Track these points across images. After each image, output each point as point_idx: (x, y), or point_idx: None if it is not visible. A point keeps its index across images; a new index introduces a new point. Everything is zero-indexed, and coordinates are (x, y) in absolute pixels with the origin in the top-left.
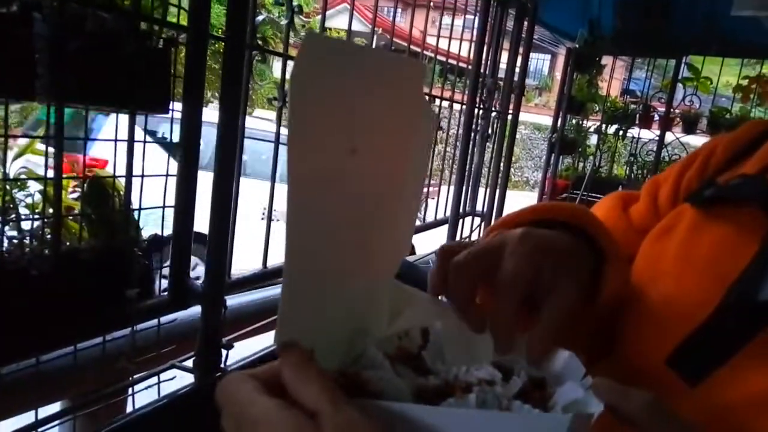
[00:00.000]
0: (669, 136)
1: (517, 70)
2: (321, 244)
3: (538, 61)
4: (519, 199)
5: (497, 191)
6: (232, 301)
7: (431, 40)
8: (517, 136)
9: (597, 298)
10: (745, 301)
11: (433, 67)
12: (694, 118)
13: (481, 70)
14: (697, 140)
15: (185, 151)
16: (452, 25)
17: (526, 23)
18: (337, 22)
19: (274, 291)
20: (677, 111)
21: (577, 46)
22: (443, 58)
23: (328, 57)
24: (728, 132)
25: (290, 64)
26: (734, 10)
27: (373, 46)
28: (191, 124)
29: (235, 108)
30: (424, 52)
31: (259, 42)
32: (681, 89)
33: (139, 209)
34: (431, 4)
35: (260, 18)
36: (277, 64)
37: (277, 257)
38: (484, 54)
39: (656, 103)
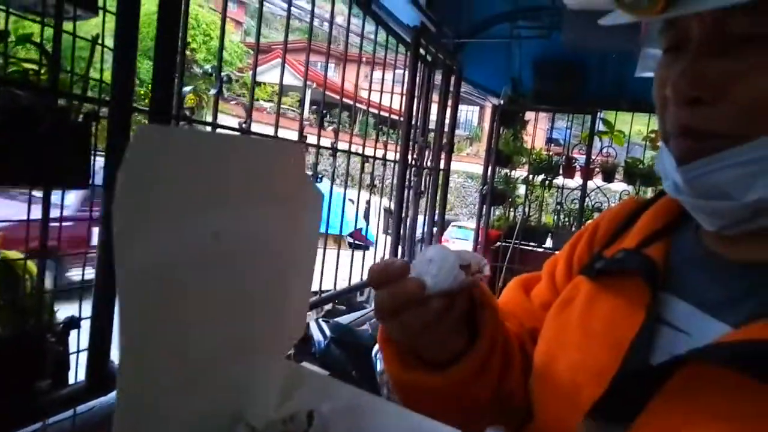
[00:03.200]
0: (591, 185)
1: (446, 129)
2: (169, 338)
3: (468, 113)
4: (456, 248)
5: (433, 243)
6: None
7: (364, 93)
8: (451, 185)
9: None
10: (639, 367)
11: (366, 119)
12: (612, 167)
13: (412, 129)
14: (618, 186)
15: (106, 226)
16: (383, 79)
17: (453, 79)
18: (270, 77)
19: None
20: (596, 161)
21: (501, 102)
22: (376, 111)
23: (165, 147)
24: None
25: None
26: (638, 72)
27: (306, 99)
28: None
29: None
30: (358, 105)
31: (186, 112)
32: (598, 141)
33: (54, 291)
34: (363, 59)
35: (187, 89)
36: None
37: None
38: (414, 112)
39: (578, 152)
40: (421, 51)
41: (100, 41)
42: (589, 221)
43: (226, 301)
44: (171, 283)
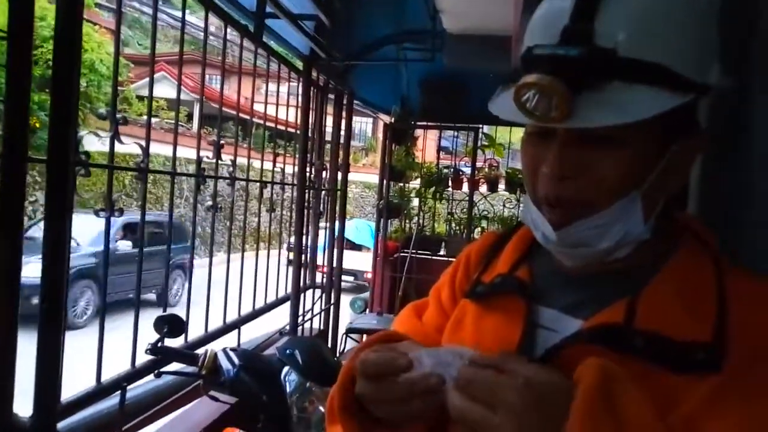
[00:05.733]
0: (477, 195)
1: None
2: None
3: (362, 124)
4: (357, 258)
5: (334, 263)
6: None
7: (258, 107)
8: (350, 195)
9: None
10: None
11: (263, 133)
12: (495, 178)
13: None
14: (502, 194)
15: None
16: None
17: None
18: (155, 90)
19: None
20: (482, 173)
21: (392, 120)
22: (272, 124)
23: None
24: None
25: (116, 175)
26: (491, 108)
27: (195, 113)
28: (7, 253)
29: (61, 239)
30: (251, 118)
31: (82, 156)
32: (482, 153)
33: None
34: (259, 72)
35: (82, 134)
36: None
37: (113, 370)
38: (309, 134)
39: (467, 159)
40: (314, 75)
41: None
42: (461, 252)
43: None
44: None
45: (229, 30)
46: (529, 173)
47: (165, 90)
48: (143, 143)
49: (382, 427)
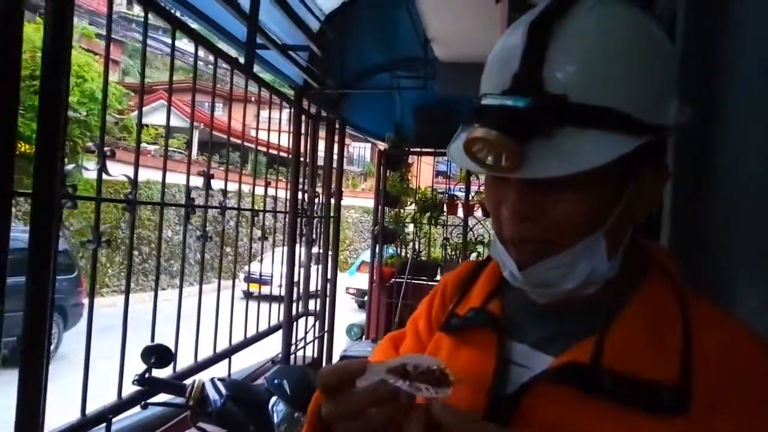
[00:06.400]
0: (473, 220)
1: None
2: None
3: (361, 149)
4: (355, 282)
5: (328, 290)
6: None
7: (253, 132)
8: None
9: None
10: (499, 399)
11: (255, 157)
12: None
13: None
14: None
15: None
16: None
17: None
18: (154, 118)
19: None
20: (476, 198)
21: (387, 146)
22: (265, 149)
23: None
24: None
25: (104, 207)
26: (450, 155)
27: (195, 140)
28: None
29: (46, 273)
30: (246, 144)
31: (69, 189)
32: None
33: None
34: (252, 99)
35: (69, 167)
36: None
37: (97, 402)
38: (300, 162)
39: (460, 186)
40: (305, 105)
41: None
42: (438, 282)
43: None
44: None
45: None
46: (494, 213)
47: (164, 118)
48: (132, 174)
49: None
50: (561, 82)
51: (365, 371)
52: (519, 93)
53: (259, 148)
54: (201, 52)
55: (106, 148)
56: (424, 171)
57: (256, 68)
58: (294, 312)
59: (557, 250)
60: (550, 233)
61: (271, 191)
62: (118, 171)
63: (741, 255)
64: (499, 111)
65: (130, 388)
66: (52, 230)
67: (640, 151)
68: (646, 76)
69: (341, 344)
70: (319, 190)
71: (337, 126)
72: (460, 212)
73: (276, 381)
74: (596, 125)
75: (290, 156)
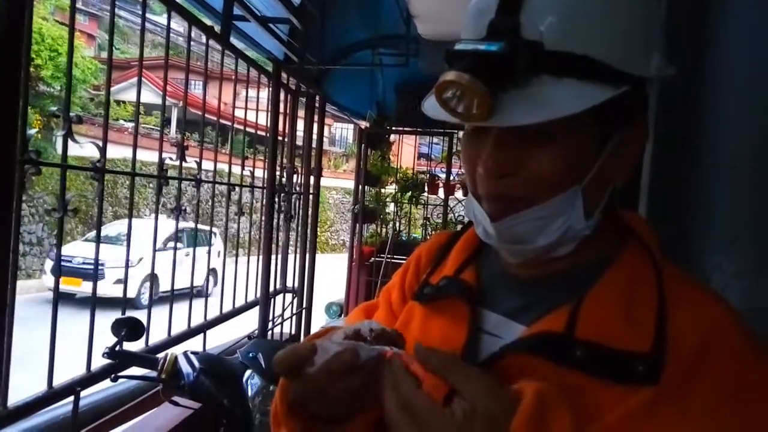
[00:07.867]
0: (453, 200)
1: (314, 153)
2: None
3: (343, 130)
4: (336, 262)
5: (306, 267)
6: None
7: (231, 111)
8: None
9: None
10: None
11: (232, 134)
12: None
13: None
14: None
15: None
16: (247, 96)
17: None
18: (131, 95)
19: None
20: (457, 178)
21: (367, 124)
22: (243, 127)
23: None
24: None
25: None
26: (425, 109)
27: (174, 117)
28: None
29: (6, 239)
30: (222, 121)
31: (33, 155)
32: (457, 159)
33: None
34: (231, 75)
35: (32, 132)
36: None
37: (65, 375)
38: (278, 138)
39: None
40: (284, 79)
41: None
42: (413, 252)
43: None
44: None
45: (200, 33)
46: (469, 171)
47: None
48: (101, 143)
49: (327, 425)
50: (537, 29)
51: (315, 351)
52: (494, 39)
53: (238, 126)
54: (180, 27)
55: (72, 114)
56: (406, 152)
57: (235, 42)
58: (272, 288)
59: (530, 204)
60: (528, 189)
61: (249, 170)
62: (93, 149)
63: (717, 227)
64: (472, 54)
65: (100, 362)
66: (11, 195)
67: (619, 104)
68: (625, 26)
69: (320, 322)
70: (298, 167)
71: (317, 103)
72: (441, 193)
73: (251, 354)
74: (572, 73)
75: (269, 132)
